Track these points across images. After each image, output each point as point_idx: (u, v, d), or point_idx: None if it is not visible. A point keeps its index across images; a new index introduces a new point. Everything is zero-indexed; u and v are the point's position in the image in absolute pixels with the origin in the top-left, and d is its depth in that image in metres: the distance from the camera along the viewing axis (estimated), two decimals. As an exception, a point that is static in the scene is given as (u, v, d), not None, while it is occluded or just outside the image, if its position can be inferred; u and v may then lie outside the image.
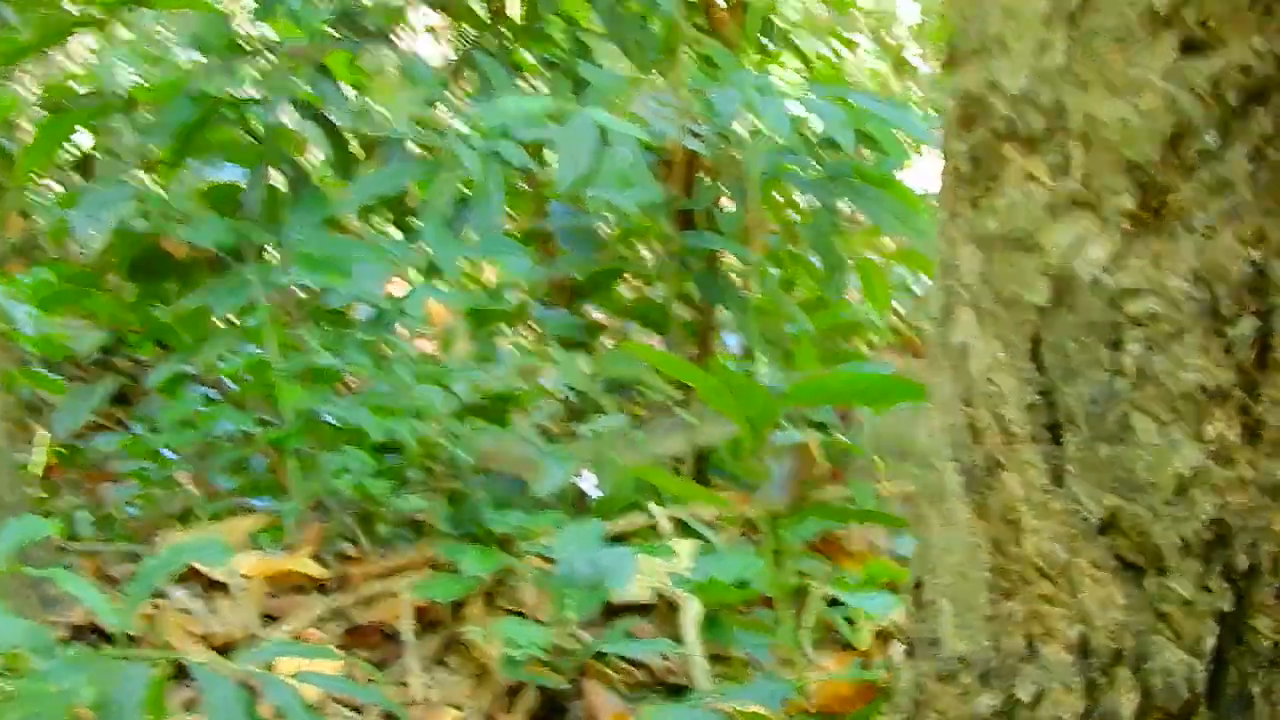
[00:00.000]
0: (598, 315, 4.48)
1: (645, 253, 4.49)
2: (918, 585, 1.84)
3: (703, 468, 3.96)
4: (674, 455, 3.71)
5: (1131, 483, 1.54)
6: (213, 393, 4.09)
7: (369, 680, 3.08)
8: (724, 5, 4.26)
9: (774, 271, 4.11)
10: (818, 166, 3.98)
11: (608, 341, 4.36)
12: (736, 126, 3.99)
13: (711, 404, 2.75)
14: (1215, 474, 1.51)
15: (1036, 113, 1.59)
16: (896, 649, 3.00)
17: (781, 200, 4.48)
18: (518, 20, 4.16)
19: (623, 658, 3.14)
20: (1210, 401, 1.50)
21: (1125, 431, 1.54)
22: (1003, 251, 1.62)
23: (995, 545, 1.68)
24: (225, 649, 3.17)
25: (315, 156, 4.41)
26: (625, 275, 4.35)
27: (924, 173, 4.79)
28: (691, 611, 3.19)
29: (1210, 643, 1.53)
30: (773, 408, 2.67)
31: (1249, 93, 1.48)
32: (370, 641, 3.34)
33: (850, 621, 3.32)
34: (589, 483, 3.18)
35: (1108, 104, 1.53)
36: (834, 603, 3.32)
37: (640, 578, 3.27)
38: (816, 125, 4.13)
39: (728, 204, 4.11)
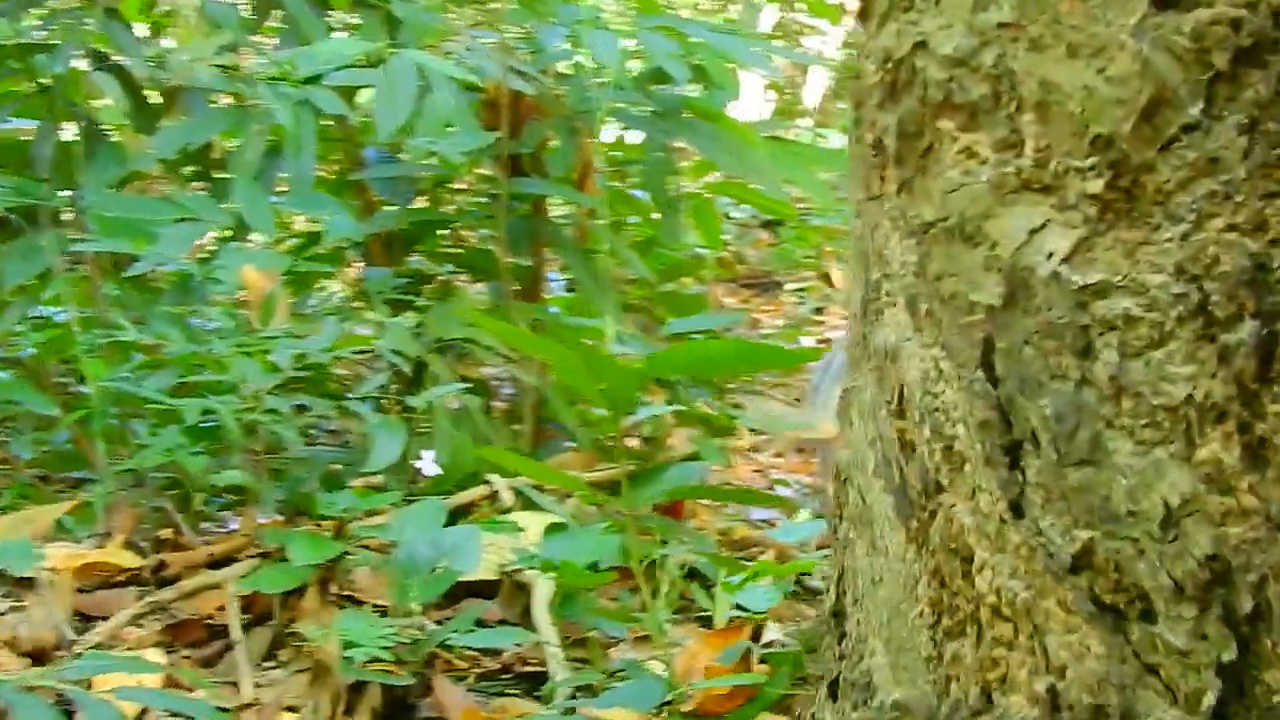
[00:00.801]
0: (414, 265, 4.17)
1: (466, 198, 4.19)
2: (837, 615, 1.59)
3: (538, 423, 3.69)
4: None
5: (1108, 513, 1.30)
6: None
7: (195, 686, 2.78)
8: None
9: (601, 218, 3.83)
10: (647, 102, 3.70)
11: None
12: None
13: (567, 381, 2.51)
14: (1211, 502, 1.26)
15: (977, 79, 1.33)
16: (770, 630, 2.76)
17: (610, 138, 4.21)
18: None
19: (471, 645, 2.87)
20: (1203, 418, 1.25)
21: (1098, 453, 1.29)
22: (943, 243, 1.37)
23: (938, 578, 1.43)
24: (36, 654, 2.86)
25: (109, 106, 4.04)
26: (449, 224, 4.05)
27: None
28: (542, 593, 2.93)
29: (1210, 699, 1.29)
30: (632, 383, 2.42)
31: (1240, 52, 1.22)
32: (194, 637, 3.05)
33: (707, 588, 3.09)
34: (427, 459, 2.90)
35: (1068, 68, 1.27)
36: (688, 570, 3.11)
37: (485, 557, 3.00)
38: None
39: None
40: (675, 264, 4.25)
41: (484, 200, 3.95)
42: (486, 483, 3.28)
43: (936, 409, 1.38)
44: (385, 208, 3.97)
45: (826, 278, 5.87)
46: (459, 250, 4.17)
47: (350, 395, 3.24)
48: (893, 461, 1.45)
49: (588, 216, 3.75)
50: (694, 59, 3.57)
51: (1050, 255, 1.30)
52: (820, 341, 5.37)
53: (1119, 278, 1.27)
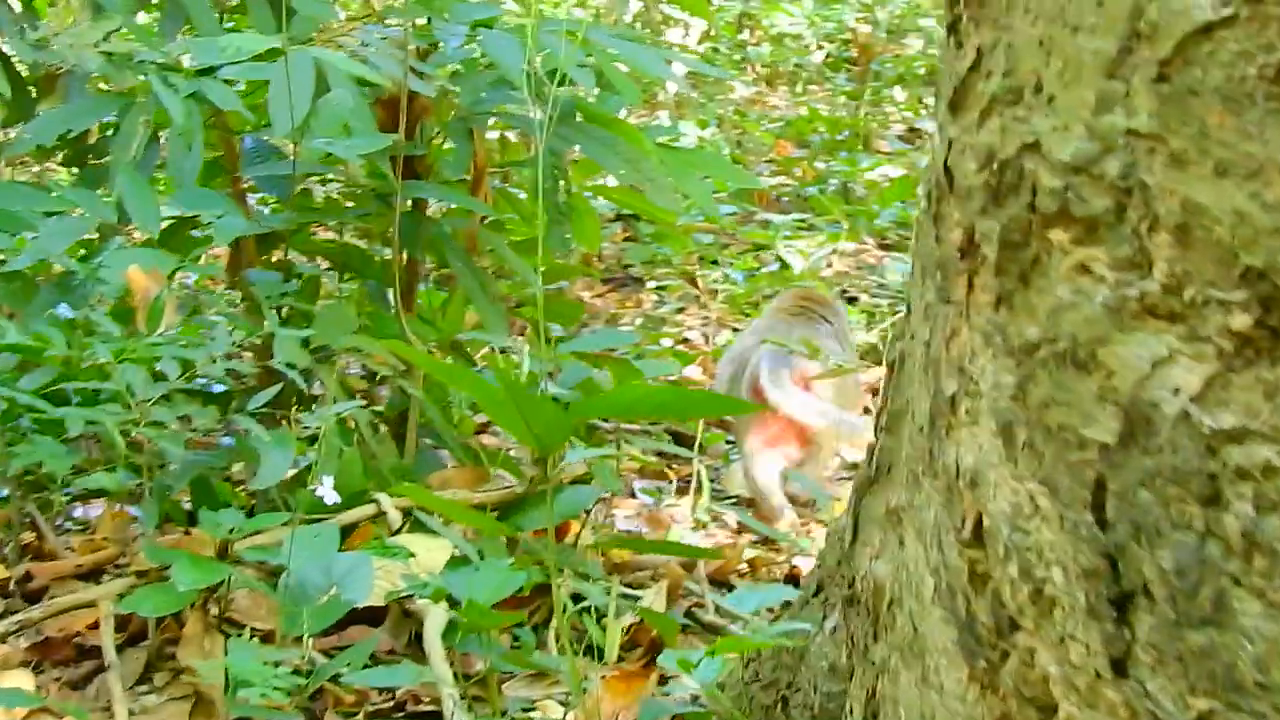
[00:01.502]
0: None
1: (345, 190, 3.97)
2: (865, 742, 1.43)
3: (416, 434, 3.49)
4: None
5: (1232, 681, 1.14)
6: None
7: (64, 713, 2.57)
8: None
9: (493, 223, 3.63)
10: (540, 104, 3.50)
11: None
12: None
13: (496, 420, 2.32)
14: (1356, 681, 1.11)
15: (1099, 190, 1.16)
16: (682, 689, 2.60)
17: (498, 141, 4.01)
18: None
19: (361, 677, 2.67)
20: (1351, 587, 1.10)
21: (1223, 614, 1.14)
22: (1049, 368, 1.20)
23: (1007, 726, 1.26)
24: (-104, 672, 2.65)
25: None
26: (332, 221, 3.83)
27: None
28: (434, 624, 2.75)
29: None
30: (564, 424, 2.24)
31: None
32: (62, 656, 2.84)
33: (597, 618, 2.92)
34: (326, 485, 2.69)
35: (1215, 189, 1.11)
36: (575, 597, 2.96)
37: (376, 583, 2.81)
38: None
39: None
40: (555, 267, 4.08)
41: (359, 191, 3.75)
42: (374, 501, 3.08)
43: (1027, 548, 1.22)
44: (258, 196, 3.76)
45: (692, 280, 5.70)
46: (333, 244, 3.95)
47: (240, 408, 3.02)
48: (959, 593, 1.28)
49: (480, 222, 3.55)
50: (593, 64, 3.39)
51: (1177, 391, 1.13)
52: (679, 342, 5.23)
53: (1258, 422, 1.11)
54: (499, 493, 3.20)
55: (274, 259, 3.65)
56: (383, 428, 3.40)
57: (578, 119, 3.53)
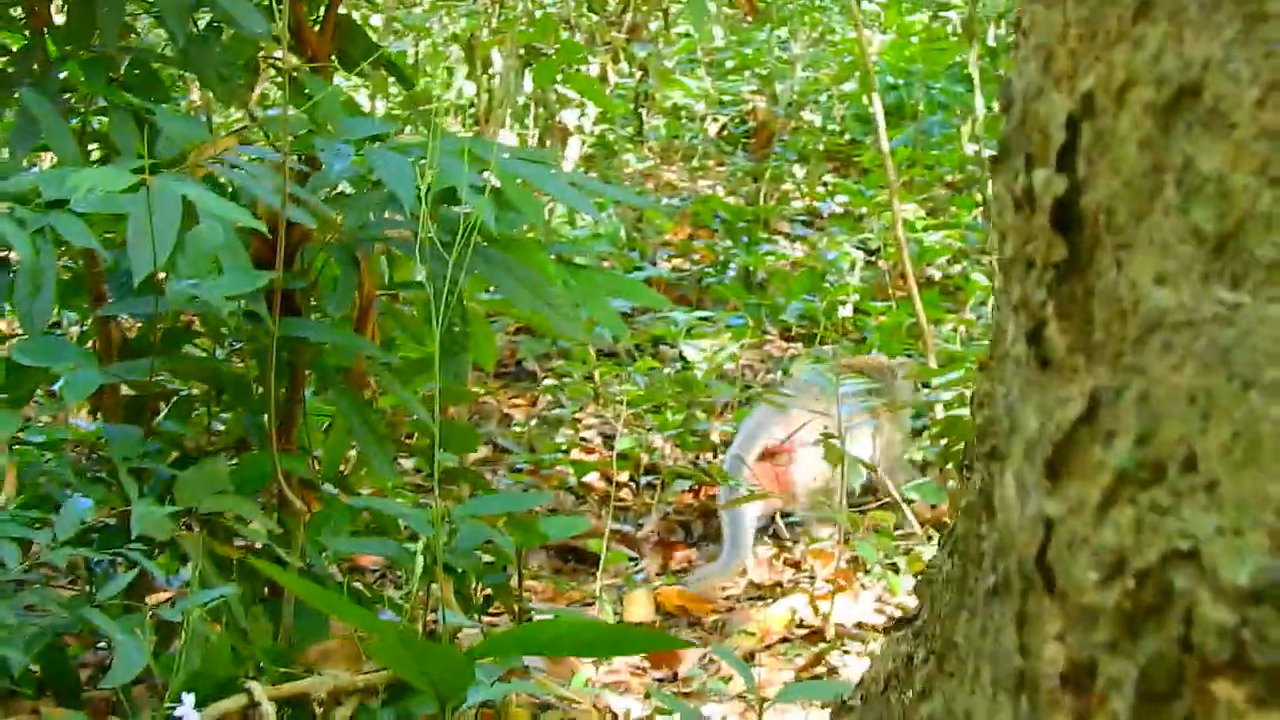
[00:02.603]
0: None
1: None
2: None
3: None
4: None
5: None
6: None
7: None
8: (317, 27, 3.31)
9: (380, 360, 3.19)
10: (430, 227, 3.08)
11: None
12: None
13: (386, 665, 1.91)
14: None
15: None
16: None
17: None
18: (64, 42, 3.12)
19: None
20: None
21: None
22: None
23: None
24: None
25: None
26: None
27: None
28: None
29: None
30: (466, 671, 1.82)
31: None
32: None
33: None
34: (187, 705, 2.26)
35: None
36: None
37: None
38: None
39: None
40: (449, 392, 3.65)
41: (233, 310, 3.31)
42: (246, 691, 2.63)
43: None
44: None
45: (589, 378, 5.28)
46: (206, 364, 3.50)
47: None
48: None
49: (366, 360, 3.12)
50: (491, 184, 2.99)
51: None
52: (575, 446, 4.83)
53: None
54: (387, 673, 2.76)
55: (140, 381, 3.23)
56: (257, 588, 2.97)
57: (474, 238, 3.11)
